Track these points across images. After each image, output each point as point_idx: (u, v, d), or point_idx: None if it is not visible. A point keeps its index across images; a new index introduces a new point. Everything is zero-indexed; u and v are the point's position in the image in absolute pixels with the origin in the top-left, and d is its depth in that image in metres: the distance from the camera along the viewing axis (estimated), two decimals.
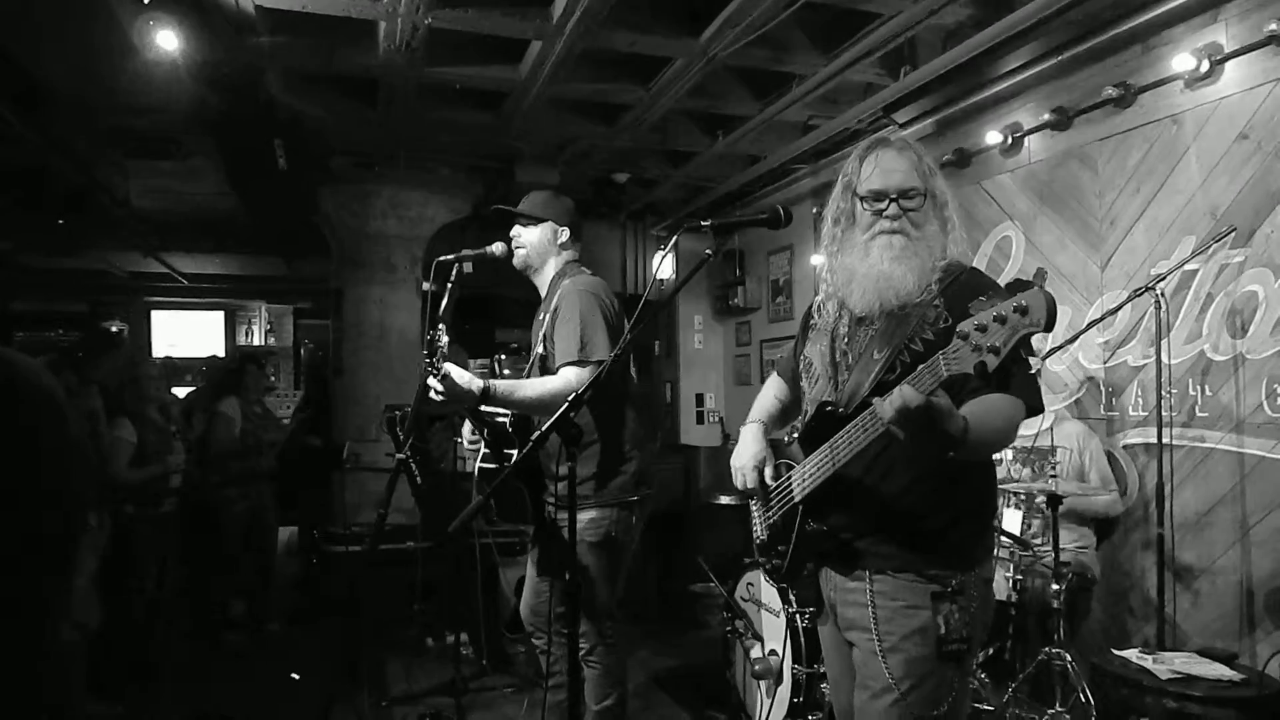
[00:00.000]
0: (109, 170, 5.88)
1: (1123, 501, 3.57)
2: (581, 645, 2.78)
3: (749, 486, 2.03)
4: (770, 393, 2.28)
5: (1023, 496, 3.56)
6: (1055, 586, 3.06)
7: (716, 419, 7.64)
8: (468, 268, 2.84)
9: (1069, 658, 2.98)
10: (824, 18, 3.89)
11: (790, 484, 1.93)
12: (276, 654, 4.86)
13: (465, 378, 2.53)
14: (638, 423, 2.88)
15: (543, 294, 2.99)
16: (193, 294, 10.85)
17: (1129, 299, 3.30)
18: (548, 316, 2.83)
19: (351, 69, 4.37)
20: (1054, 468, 3.31)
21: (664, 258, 6.30)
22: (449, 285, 2.76)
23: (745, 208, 6.62)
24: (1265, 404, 3.10)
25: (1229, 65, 3.21)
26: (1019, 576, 3.25)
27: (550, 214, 2.94)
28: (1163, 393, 3.27)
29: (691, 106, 4.96)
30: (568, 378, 2.65)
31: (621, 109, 4.95)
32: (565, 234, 2.96)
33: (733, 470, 2.08)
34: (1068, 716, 2.99)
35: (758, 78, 4.65)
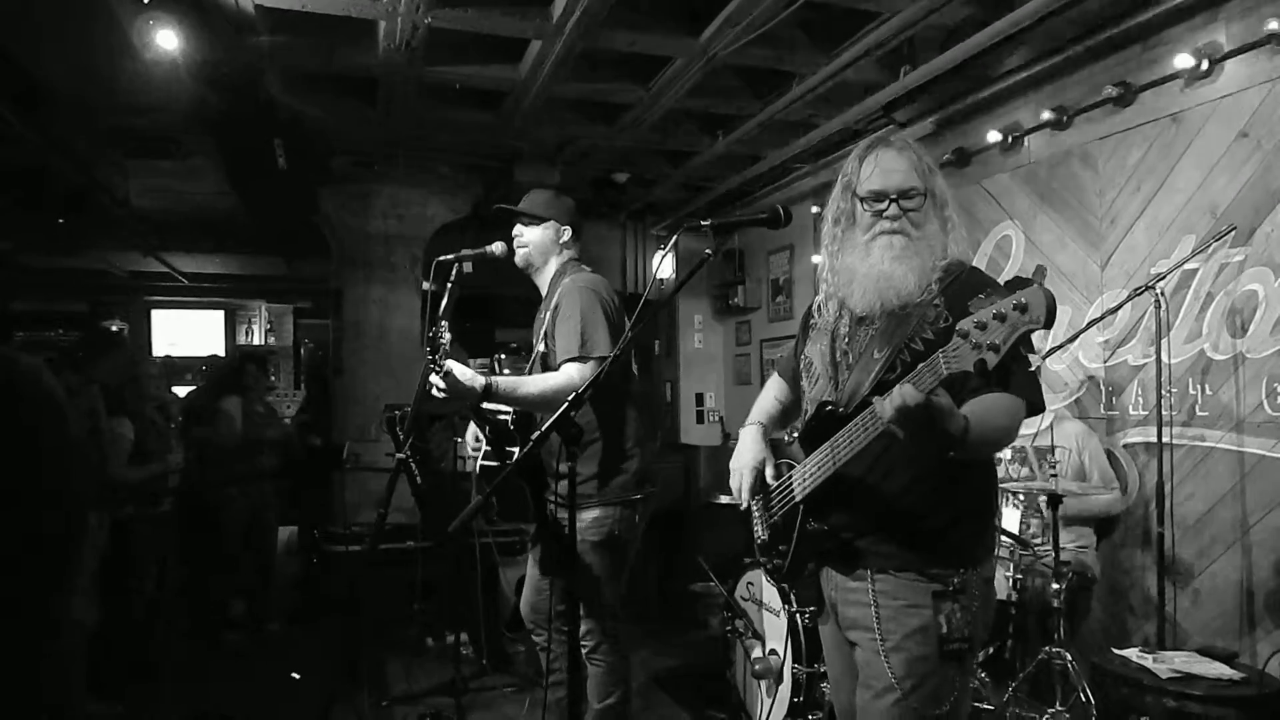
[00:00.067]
0: (109, 170, 5.88)
1: (1123, 500, 3.56)
2: (586, 643, 2.78)
3: (744, 488, 2.02)
4: (770, 394, 2.28)
5: (1022, 496, 3.57)
6: (1055, 586, 3.06)
7: (716, 418, 7.64)
8: (467, 267, 2.84)
9: (1069, 657, 2.98)
10: (824, 17, 3.89)
11: (791, 484, 1.93)
12: (276, 654, 4.86)
13: (467, 374, 2.53)
14: (639, 421, 2.89)
15: (543, 293, 2.99)
16: (193, 293, 10.84)
17: (1129, 298, 3.30)
18: (549, 314, 2.83)
19: (351, 69, 4.37)
20: (1054, 467, 3.31)
21: (664, 257, 6.31)
22: (449, 285, 2.76)
23: (745, 207, 6.62)
24: (1265, 403, 3.10)
25: (1229, 64, 3.21)
26: (1019, 576, 3.25)
27: (552, 213, 2.95)
28: (1163, 392, 3.27)
29: (691, 106, 4.96)
30: (570, 374, 2.65)
31: (621, 109, 4.95)
32: (567, 233, 2.96)
33: (730, 472, 2.08)
34: (1068, 716, 2.99)
35: (758, 77, 4.65)
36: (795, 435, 1.98)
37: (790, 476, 1.94)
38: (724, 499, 5.46)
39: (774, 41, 3.97)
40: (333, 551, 5.07)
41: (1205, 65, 3.25)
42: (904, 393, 1.50)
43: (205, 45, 3.71)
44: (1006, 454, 3.58)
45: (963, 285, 1.80)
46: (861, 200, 1.89)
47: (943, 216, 1.89)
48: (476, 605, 4.44)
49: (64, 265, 9.45)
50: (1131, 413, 3.61)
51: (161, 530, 4.58)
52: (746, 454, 2.06)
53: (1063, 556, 3.16)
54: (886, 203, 1.85)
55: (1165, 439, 3.27)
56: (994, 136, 4.20)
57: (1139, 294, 3.24)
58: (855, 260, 1.88)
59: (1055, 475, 3.19)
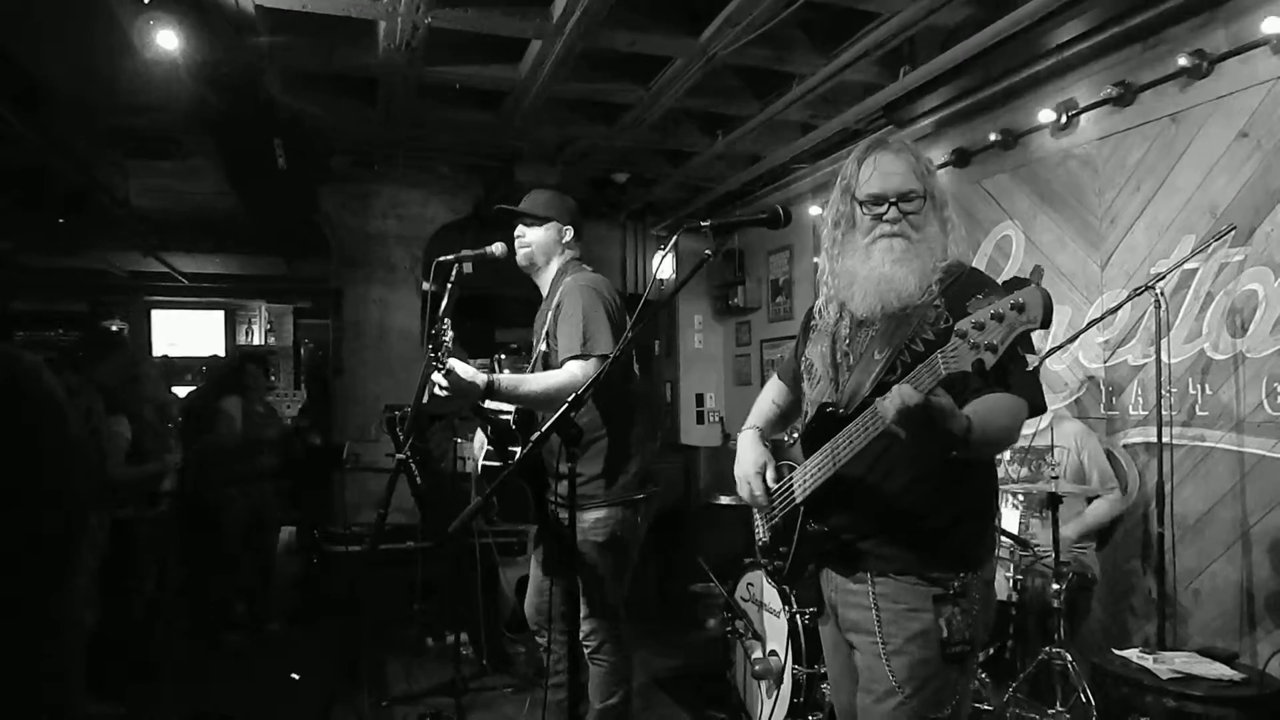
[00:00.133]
0: (109, 170, 5.88)
1: (1124, 500, 3.56)
2: (589, 643, 2.78)
3: (756, 494, 2.02)
4: (768, 396, 2.28)
5: (1021, 497, 3.57)
6: (1055, 586, 3.06)
7: (716, 419, 7.64)
8: (467, 268, 2.84)
9: (1069, 657, 2.98)
10: (824, 17, 3.89)
11: (792, 485, 1.93)
12: (276, 654, 4.86)
13: (470, 372, 2.53)
14: (640, 422, 2.89)
15: (544, 293, 2.99)
16: (193, 293, 10.85)
17: (1129, 298, 3.30)
18: (551, 314, 2.83)
19: (351, 68, 4.38)
20: (1054, 468, 3.31)
21: (664, 258, 6.30)
22: (449, 285, 2.76)
23: (745, 207, 6.62)
24: (1265, 403, 3.10)
25: (1228, 64, 3.21)
26: (1019, 576, 3.25)
27: (554, 213, 2.95)
28: (1163, 392, 3.27)
29: (691, 106, 4.96)
30: (572, 371, 2.65)
31: (621, 109, 4.95)
32: (569, 233, 2.97)
33: (736, 480, 2.07)
34: (1068, 716, 2.99)
35: (758, 77, 4.65)
36: (796, 436, 1.98)
37: (791, 478, 1.94)
38: (724, 499, 5.47)
39: (774, 42, 3.97)
40: (333, 551, 5.07)
41: (1204, 65, 3.25)
42: (902, 392, 1.50)
43: (205, 45, 3.71)
44: (1006, 454, 3.57)
45: (963, 286, 1.79)
46: (860, 204, 1.88)
47: (942, 217, 1.89)
48: (476, 605, 4.44)
49: (64, 265, 9.45)
50: (1131, 413, 3.61)
51: (161, 530, 4.58)
52: (748, 459, 2.06)
53: (1063, 557, 3.16)
54: (885, 206, 1.84)
55: (1165, 439, 3.27)
56: (994, 137, 4.20)
57: (1139, 294, 3.23)
58: (856, 263, 1.88)
59: (1056, 478, 3.19)
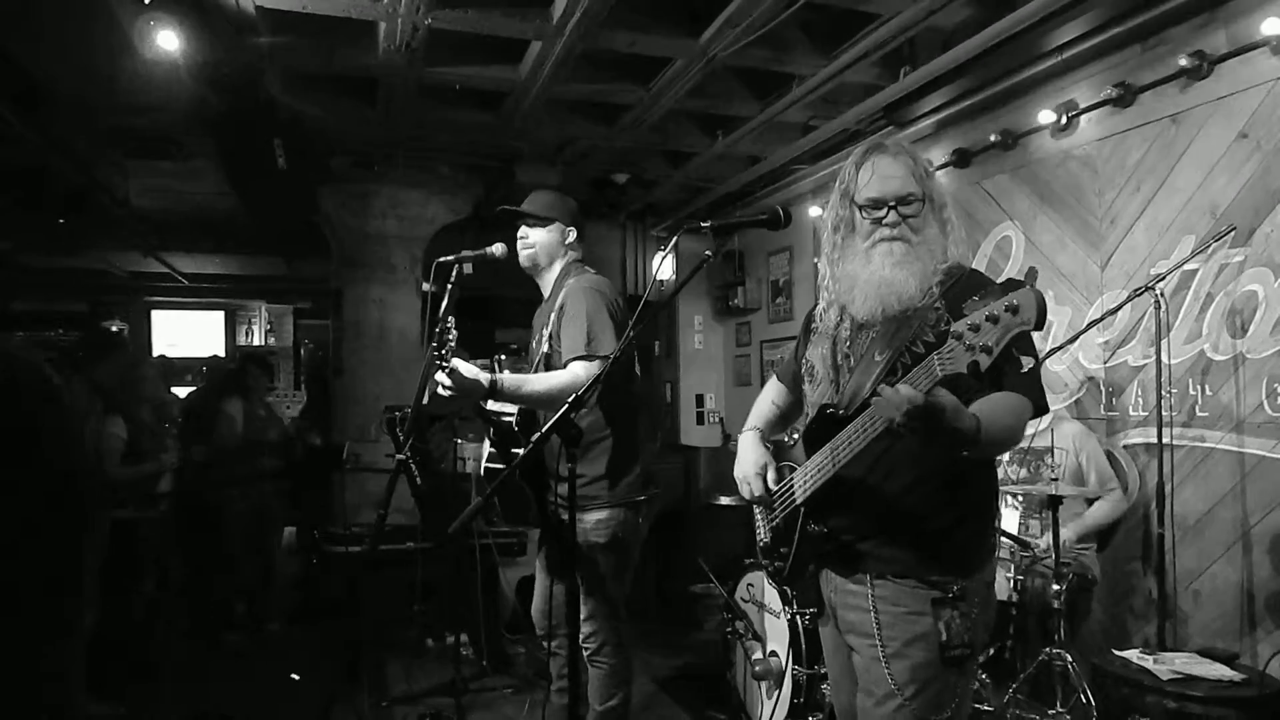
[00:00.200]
0: (109, 170, 5.88)
1: (1125, 499, 3.56)
2: (589, 645, 2.78)
3: (756, 495, 2.02)
4: (768, 398, 2.28)
5: (1020, 497, 3.57)
6: (1055, 587, 3.06)
7: (716, 419, 7.64)
8: (468, 268, 2.83)
9: (1069, 658, 2.98)
10: (824, 18, 3.89)
11: (792, 486, 1.93)
12: (276, 654, 4.86)
13: (473, 372, 2.52)
14: (642, 423, 2.89)
15: (546, 294, 2.99)
16: (193, 294, 10.85)
17: (1129, 299, 3.30)
18: (554, 315, 2.83)
19: (351, 69, 4.37)
20: (1054, 470, 3.31)
21: (664, 258, 6.30)
22: (449, 286, 2.75)
23: (745, 208, 6.62)
24: (1265, 403, 3.10)
25: (1228, 65, 3.21)
26: (1019, 577, 3.25)
27: (558, 214, 2.95)
28: (1163, 393, 3.27)
29: (691, 107, 4.96)
30: (576, 372, 2.65)
31: (621, 109, 4.95)
32: (572, 234, 2.97)
33: (738, 481, 2.07)
34: (1068, 717, 2.99)
35: (758, 78, 4.65)
36: (797, 437, 1.98)
37: (792, 479, 1.94)
38: (724, 500, 5.47)
39: (774, 43, 3.97)
40: (332, 552, 5.07)
41: (1205, 66, 3.26)
42: (902, 391, 1.50)
43: (205, 45, 3.71)
44: (1005, 455, 3.57)
45: (963, 288, 1.80)
46: (860, 208, 1.88)
47: (941, 219, 1.89)
48: (476, 606, 4.44)
49: (64, 265, 9.44)
50: (1131, 413, 3.61)
51: (161, 530, 4.58)
52: (748, 460, 2.06)
53: (1063, 558, 3.16)
54: (885, 210, 1.85)
55: (1165, 440, 3.27)
56: (994, 137, 4.20)
57: (1139, 294, 3.24)
58: (856, 267, 1.88)
59: (1056, 479, 3.19)
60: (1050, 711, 3.03)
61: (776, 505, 2.00)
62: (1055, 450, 3.43)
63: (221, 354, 10.32)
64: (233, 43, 3.86)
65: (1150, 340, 3.36)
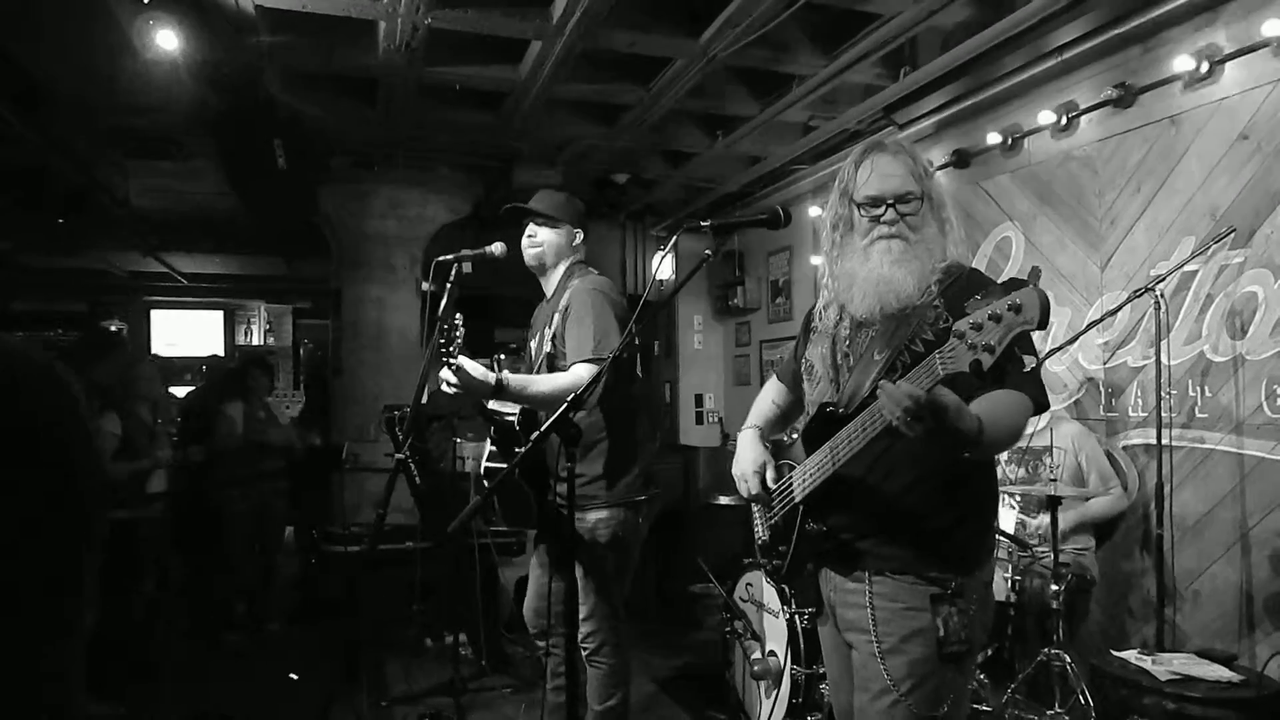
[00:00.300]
0: (109, 170, 5.88)
1: (1126, 497, 3.55)
2: (588, 645, 2.78)
3: (754, 493, 2.02)
4: (768, 397, 2.28)
5: (1018, 497, 3.57)
6: (1054, 587, 3.06)
7: (716, 419, 7.64)
8: (467, 268, 2.84)
9: (1068, 658, 2.98)
10: (824, 18, 3.89)
11: (791, 484, 1.94)
12: (276, 654, 4.86)
13: (480, 371, 2.52)
14: (642, 423, 2.89)
15: (549, 293, 2.99)
16: (192, 294, 10.85)
17: (1129, 300, 3.30)
18: (557, 316, 2.82)
19: (351, 69, 4.38)
20: (1053, 470, 3.31)
21: (663, 258, 6.26)
22: (448, 285, 2.76)
23: (745, 208, 6.62)
24: (1265, 405, 3.10)
25: (1229, 66, 3.21)
26: (1017, 577, 3.25)
27: (568, 216, 2.95)
28: (1162, 394, 3.27)
29: (691, 107, 4.96)
30: (580, 375, 2.64)
31: (621, 109, 4.95)
32: (579, 236, 2.98)
33: (735, 479, 2.08)
34: (1066, 717, 2.99)
35: (758, 78, 4.65)
36: (796, 436, 1.98)
37: (791, 477, 1.94)
38: (724, 500, 5.47)
39: (774, 43, 3.97)
40: (332, 552, 5.07)
41: (1205, 67, 3.25)
42: (903, 386, 1.50)
43: (205, 45, 3.71)
44: (1003, 455, 3.57)
45: (962, 287, 1.80)
46: (858, 206, 1.89)
47: (940, 218, 1.90)
48: (476, 606, 4.44)
49: (64, 265, 9.45)
50: (1131, 414, 3.61)
51: (161, 530, 4.58)
52: (747, 459, 2.06)
53: (1061, 558, 3.16)
54: (883, 208, 1.85)
55: (1165, 441, 3.27)
56: (994, 138, 4.20)
57: (1139, 295, 3.23)
58: (855, 265, 1.88)
59: (1055, 479, 3.19)
60: (1049, 712, 3.03)
61: (775, 503, 2.00)
62: (1054, 450, 3.43)
63: (220, 354, 10.32)
64: (232, 42, 3.86)
65: (1150, 341, 3.36)
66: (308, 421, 6.75)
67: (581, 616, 2.75)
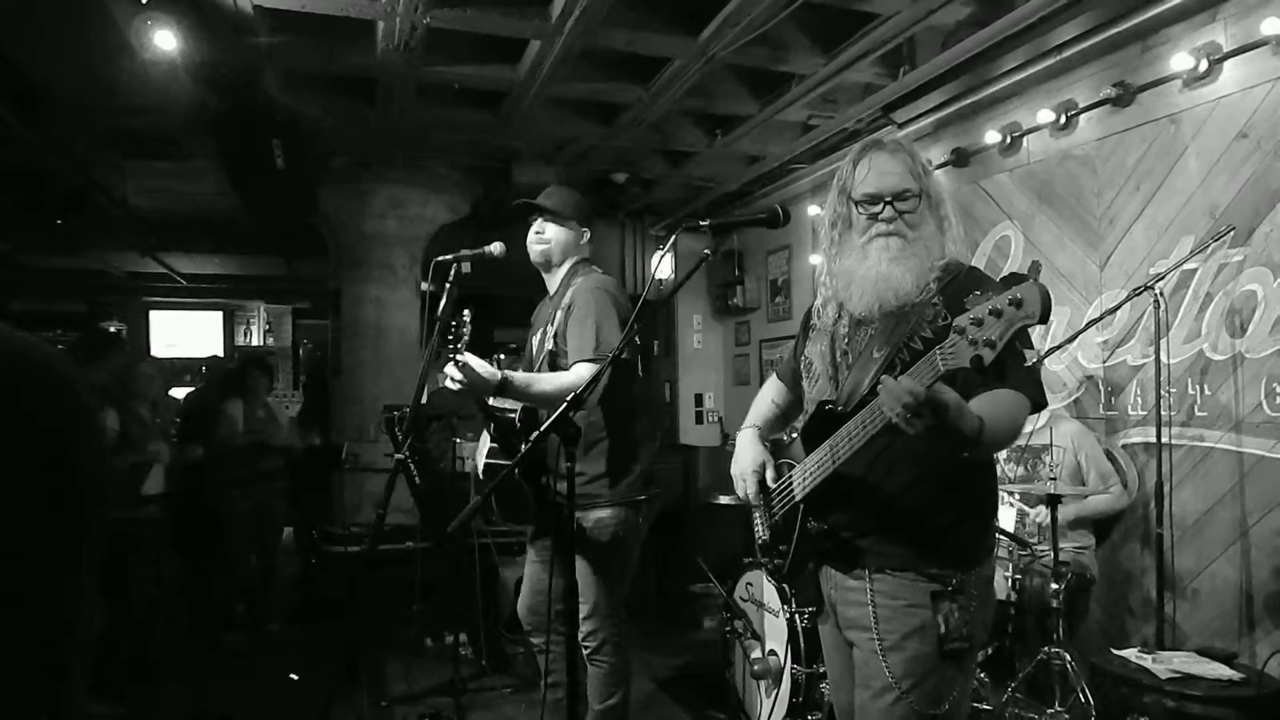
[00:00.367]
0: (107, 171, 5.88)
1: (1126, 495, 3.55)
2: (588, 644, 2.78)
3: (751, 493, 2.02)
4: (767, 396, 2.28)
5: (1018, 496, 3.57)
6: (1054, 586, 3.06)
7: (716, 419, 7.64)
8: (466, 267, 2.83)
9: (1068, 657, 2.98)
10: (823, 17, 3.89)
11: (792, 483, 1.93)
12: (276, 654, 4.86)
13: (485, 368, 2.52)
14: (642, 423, 2.89)
15: (552, 290, 2.98)
16: (191, 294, 10.84)
17: (1128, 298, 3.30)
18: (560, 314, 2.82)
19: (350, 69, 4.37)
20: (1053, 469, 3.31)
21: (663, 257, 6.26)
22: (447, 285, 2.75)
23: (744, 207, 6.62)
24: (1264, 403, 3.10)
25: (1228, 64, 3.21)
26: (1018, 576, 3.25)
27: (578, 214, 2.95)
28: (1162, 392, 3.27)
29: (691, 106, 4.96)
30: (582, 374, 2.64)
31: (620, 109, 4.94)
32: (586, 235, 2.97)
33: (734, 479, 2.08)
34: (1067, 716, 2.99)
35: (757, 77, 4.65)
36: (795, 435, 1.98)
37: (791, 476, 1.94)
38: (723, 499, 5.47)
39: (773, 42, 3.97)
40: (332, 552, 5.07)
41: (1204, 66, 3.26)
42: (904, 382, 1.50)
43: (204, 45, 3.71)
44: (1002, 454, 3.57)
45: (961, 284, 1.80)
46: (857, 204, 1.89)
47: (938, 216, 1.90)
48: (476, 606, 4.44)
49: (63, 265, 9.45)
50: (1130, 413, 3.61)
51: (162, 530, 4.57)
52: (746, 458, 2.06)
53: (1061, 557, 3.16)
54: (881, 205, 1.85)
55: (1164, 439, 3.27)
56: (993, 137, 4.20)
57: (1138, 294, 3.23)
58: (853, 263, 1.88)
59: (1055, 478, 3.19)
60: (1049, 710, 3.03)
61: (775, 502, 2.00)
62: (1054, 449, 3.43)
63: (220, 354, 10.31)
64: (231, 42, 3.86)
65: (1149, 340, 3.36)
66: (307, 421, 6.74)
67: (582, 615, 2.75)
